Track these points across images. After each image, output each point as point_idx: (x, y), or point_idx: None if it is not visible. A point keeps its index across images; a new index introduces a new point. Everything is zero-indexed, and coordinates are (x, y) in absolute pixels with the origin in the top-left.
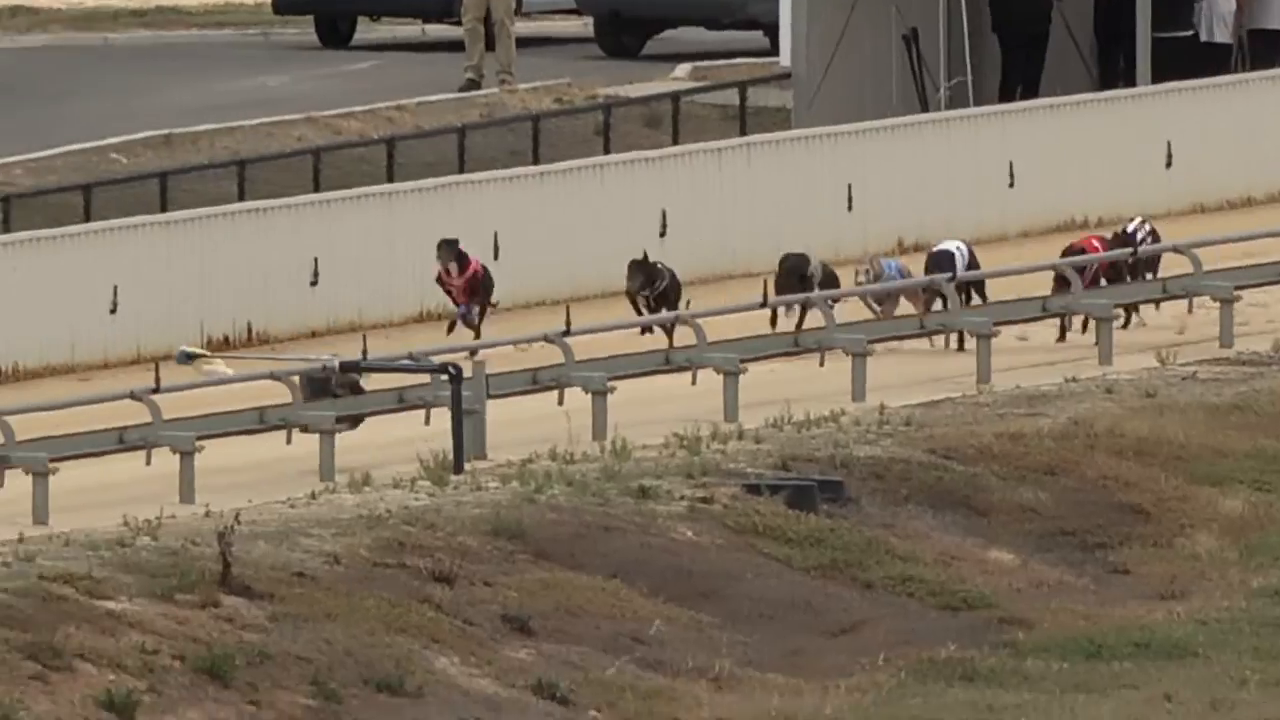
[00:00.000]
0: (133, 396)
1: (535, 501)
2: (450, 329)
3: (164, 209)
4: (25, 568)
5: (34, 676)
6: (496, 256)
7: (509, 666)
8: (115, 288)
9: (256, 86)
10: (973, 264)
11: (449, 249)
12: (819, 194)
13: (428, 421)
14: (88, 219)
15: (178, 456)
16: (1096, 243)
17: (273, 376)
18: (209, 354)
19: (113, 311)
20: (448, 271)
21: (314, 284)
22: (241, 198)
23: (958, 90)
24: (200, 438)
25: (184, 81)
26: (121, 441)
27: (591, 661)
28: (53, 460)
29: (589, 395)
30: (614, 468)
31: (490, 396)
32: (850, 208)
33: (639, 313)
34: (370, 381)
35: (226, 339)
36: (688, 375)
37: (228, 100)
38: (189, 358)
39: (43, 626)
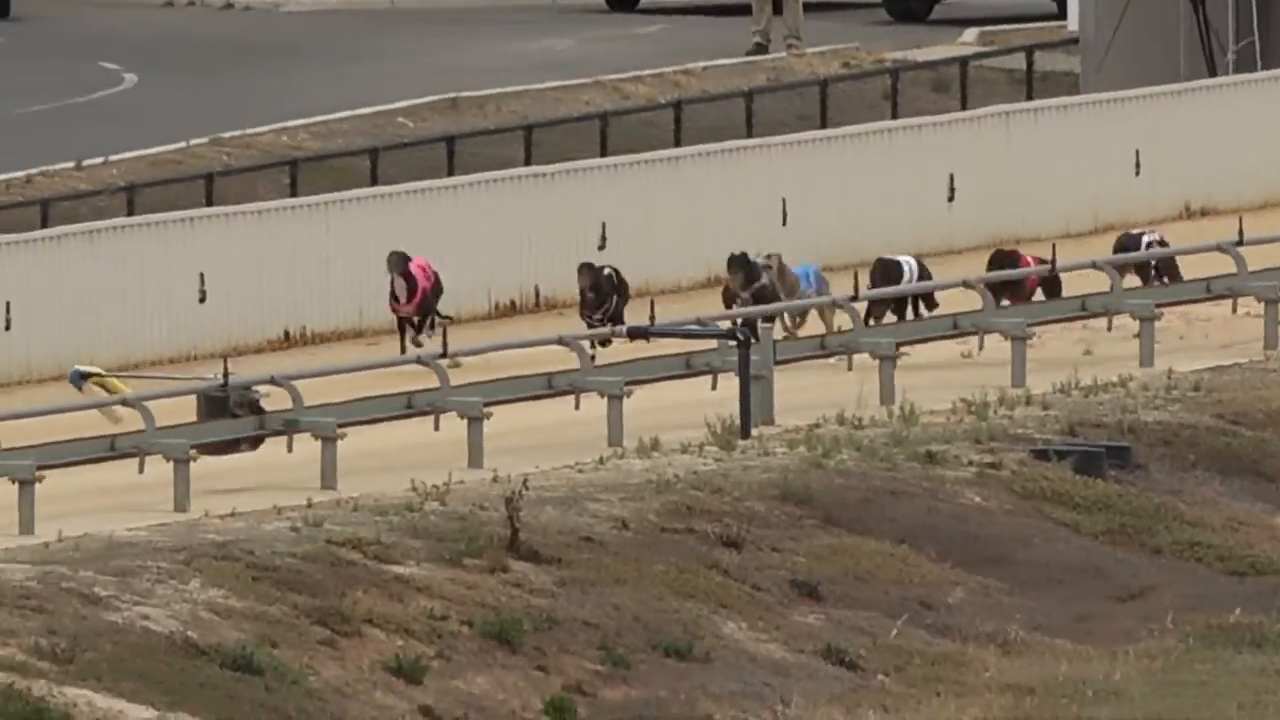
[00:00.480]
0: (420, 362)
1: (823, 466)
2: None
3: (450, 173)
4: (314, 533)
5: (323, 642)
6: (785, 222)
7: (797, 632)
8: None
9: (543, 50)
10: (923, 276)
11: (398, 260)
12: (1106, 159)
13: (715, 387)
14: (374, 183)
15: (466, 421)
16: (1030, 259)
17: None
18: (104, 373)
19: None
20: (395, 296)
21: (601, 248)
22: (528, 162)
23: (1245, 53)
24: (488, 404)
25: (470, 45)
26: (410, 406)
27: (879, 626)
28: (341, 425)
29: (876, 360)
30: (902, 433)
31: (777, 362)
32: (1138, 173)
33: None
34: (657, 346)
35: (513, 303)
36: (974, 341)
37: (514, 64)
38: (81, 377)
39: (331, 592)
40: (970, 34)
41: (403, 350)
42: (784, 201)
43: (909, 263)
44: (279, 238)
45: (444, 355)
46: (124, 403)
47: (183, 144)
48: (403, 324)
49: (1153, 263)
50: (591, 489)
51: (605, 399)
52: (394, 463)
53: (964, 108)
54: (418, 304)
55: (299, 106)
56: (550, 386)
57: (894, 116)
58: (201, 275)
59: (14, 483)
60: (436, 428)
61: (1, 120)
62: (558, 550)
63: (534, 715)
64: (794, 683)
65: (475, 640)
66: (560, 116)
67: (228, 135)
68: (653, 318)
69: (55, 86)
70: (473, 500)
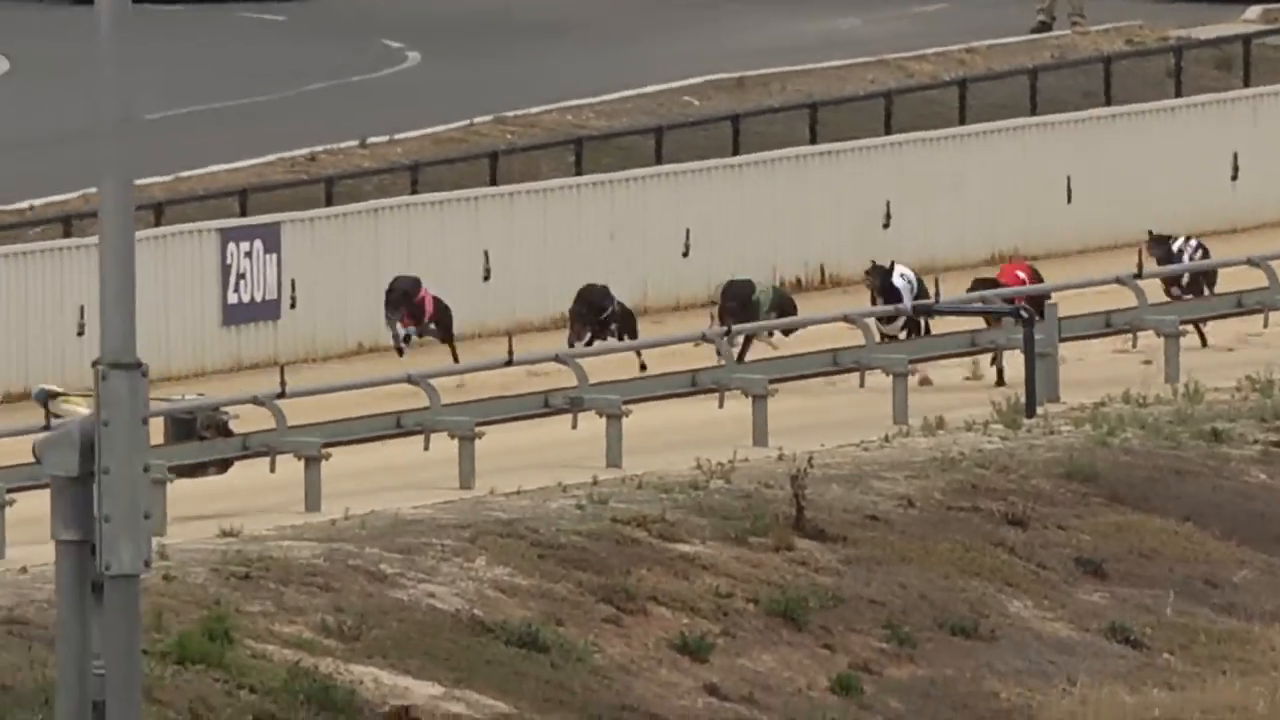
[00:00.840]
0: (704, 339)
1: (1108, 445)
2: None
3: (735, 152)
4: (599, 510)
5: (608, 619)
6: (1070, 199)
7: (1082, 610)
8: (687, 230)
9: (828, 29)
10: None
11: (403, 294)
12: None
13: (995, 362)
14: (658, 162)
15: (750, 400)
16: (1020, 273)
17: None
18: (68, 393)
19: (685, 255)
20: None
21: (885, 226)
22: (813, 140)
23: None
24: (772, 381)
25: (756, 23)
26: (694, 384)
27: (1164, 604)
28: (627, 402)
29: (1160, 338)
30: (1186, 411)
31: (1062, 339)
32: None
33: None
34: (942, 324)
35: (798, 280)
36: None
37: (799, 42)
38: (47, 396)
39: (616, 569)
40: (1254, 11)
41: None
42: (1068, 179)
43: (907, 274)
44: (563, 216)
45: (727, 334)
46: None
47: (466, 122)
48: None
49: None
50: (876, 467)
51: (890, 376)
52: (678, 440)
53: (1247, 85)
54: (435, 317)
55: (584, 85)
56: (835, 364)
57: (1178, 94)
58: (486, 254)
59: (300, 460)
60: (721, 405)
61: (286, 98)
62: (843, 528)
63: (820, 693)
64: (1079, 661)
65: (761, 618)
66: (845, 95)
67: (512, 114)
68: (937, 295)
69: (339, 65)
70: (758, 478)
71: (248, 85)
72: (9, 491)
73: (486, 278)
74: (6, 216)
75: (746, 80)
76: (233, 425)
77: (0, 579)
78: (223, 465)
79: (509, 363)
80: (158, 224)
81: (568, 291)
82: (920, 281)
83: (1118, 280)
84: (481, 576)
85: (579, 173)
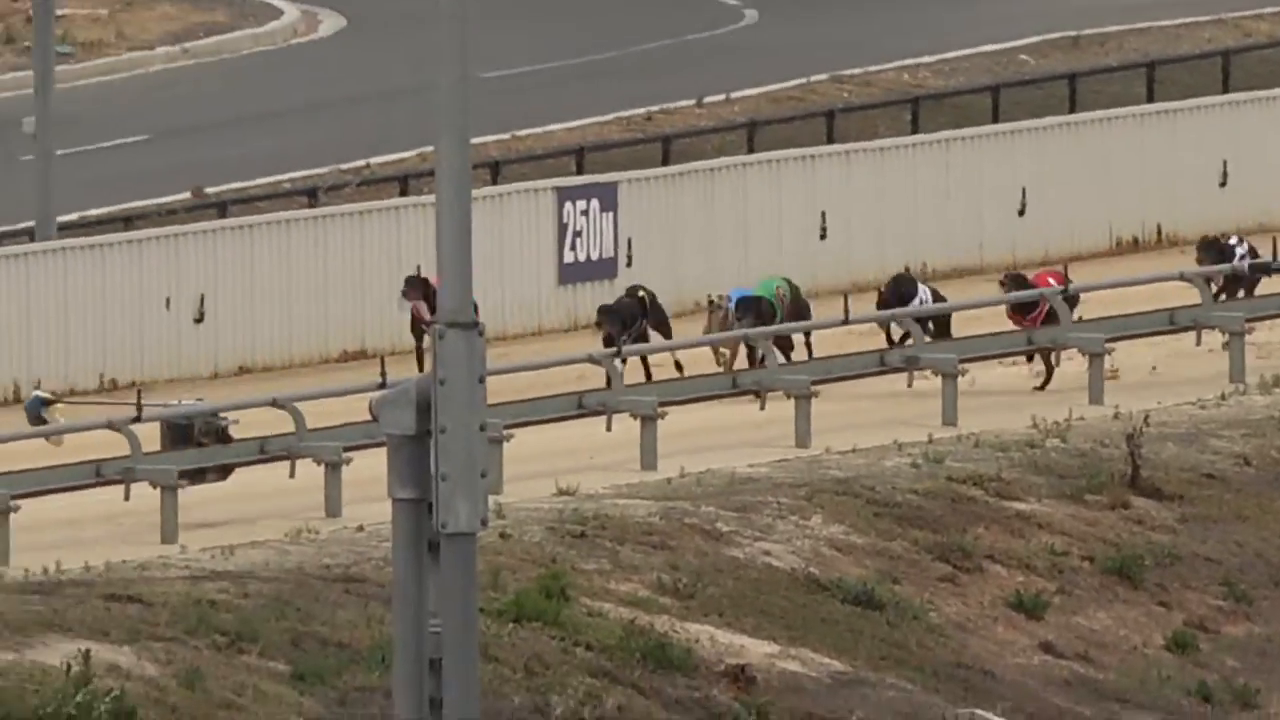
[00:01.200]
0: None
1: None
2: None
3: (1071, 110)
4: (934, 469)
5: (943, 578)
6: None
7: None
8: (1022, 189)
9: None
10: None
11: (415, 285)
12: None
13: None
14: (994, 120)
15: (1086, 359)
16: (1051, 279)
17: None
18: (58, 399)
19: (1020, 214)
20: (419, 310)
21: (1222, 185)
22: (1150, 99)
23: None
24: (1109, 340)
25: None
26: (1030, 343)
27: None
28: (962, 362)
29: None
30: None
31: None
32: None
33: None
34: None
35: (1135, 240)
36: None
37: (1137, 1)
38: (41, 404)
39: (952, 528)
40: None
41: (420, 367)
42: None
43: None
44: (899, 175)
45: (1066, 291)
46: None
47: (803, 80)
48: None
49: None
50: (1213, 425)
51: (1226, 335)
52: (1014, 400)
53: None
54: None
55: (921, 44)
56: (1172, 323)
57: None
58: (823, 213)
59: (636, 419)
60: (1056, 364)
61: (623, 57)
62: (1179, 486)
63: (1154, 651)
64: None
65: (1096, 576)
66: (1181, 54)
67: (849, 72)
68: (1276, 253)
69: (676, 24)
70: (1093, 437)
71: (585, 45)
72: (346, 450)
73: (823, 236)
74: (343, 175)
75: (1082, 39)
76: (233, 430)
77: (337, 537)
78: (223, 471)
79: (844, 321)
80: (494, 183)
81: (904, 249)
82: (936, 295)
83: None
84: (817, 535)
85: (914, 131)
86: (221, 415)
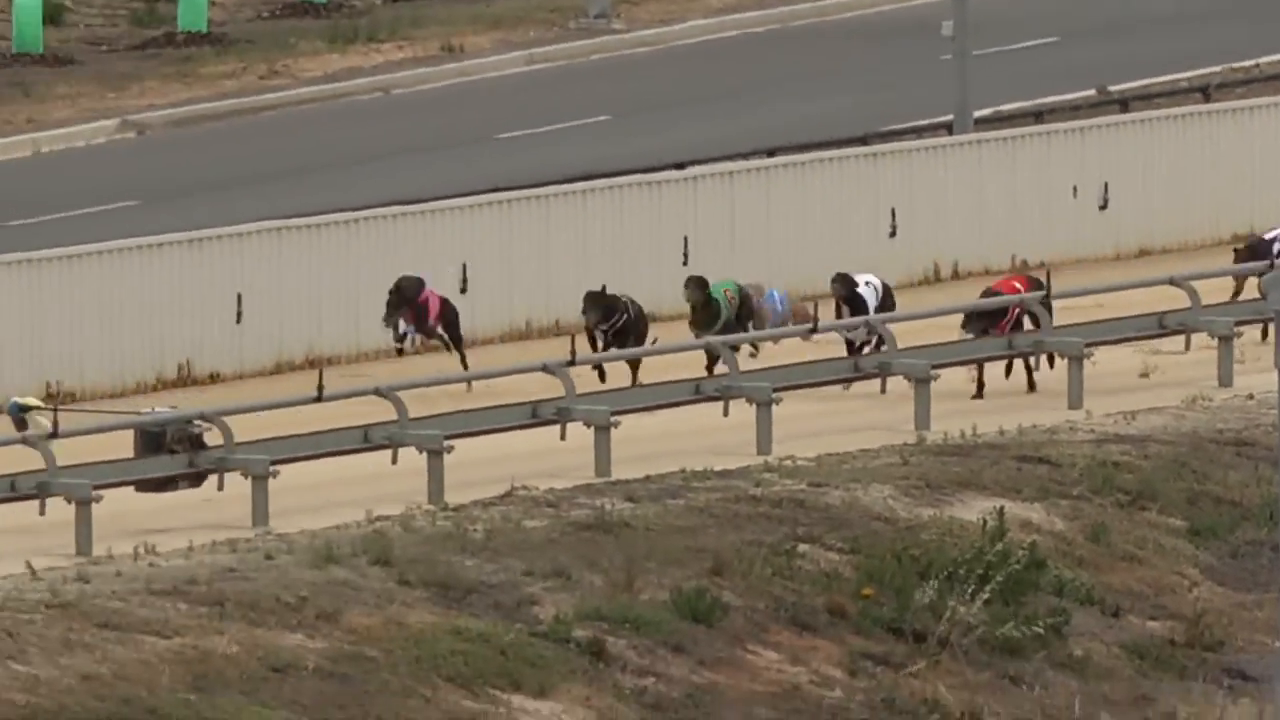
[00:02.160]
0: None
1: None
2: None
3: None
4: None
5: None
6: None
7: None
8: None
9: None
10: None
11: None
12: None
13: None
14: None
15: None
16: (1018, 284)
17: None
18: (42, 405)
19: None
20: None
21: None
22: None
23: None
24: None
25: None
26: None
27: None
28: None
29: None
30: None
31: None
32: None
33: (593, 348)
34: None
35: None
36: None
37: None
38: (21, 409)
39: None
40: None
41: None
42: None
43: (870, 280)
44: None
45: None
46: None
47: None
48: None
49: None
50: None
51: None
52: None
53: None
54: (439, 316)
55: None
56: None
57: None
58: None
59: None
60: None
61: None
62: None
63: None
64: None
65: None
66: None
67: None
68: None
69: None
70: None
71: None
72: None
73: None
74: (1232, 74)
75: None
76: (206, 438)
77: (1229, 405)
78: (196, 479)
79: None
80: None
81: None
82: (886, 287)
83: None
84: None
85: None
86: (195, 423)
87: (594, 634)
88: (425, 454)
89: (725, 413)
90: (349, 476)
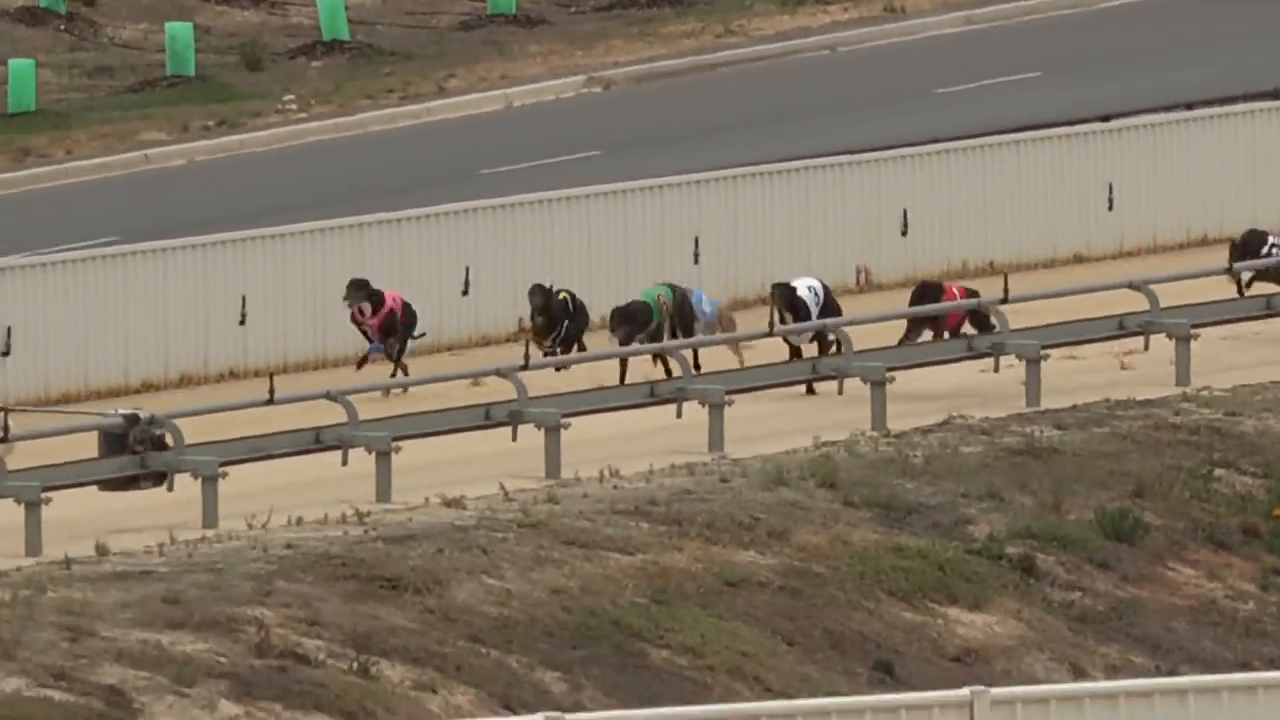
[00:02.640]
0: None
1: None
2: (360, 365)
3: None
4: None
5: None
6: None
7: None
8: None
9: None
10: (828, 304)
11: (358, 290)
12: None
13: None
14: None
15: None
16: (956, 291)
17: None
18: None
19: None
20: (360, 311)
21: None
22: None
23: None
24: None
25: None
26: None
27: None
28: (891, 368)
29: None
30: None
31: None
32: None
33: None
34: None
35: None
36: None
37: None
38: None
39: None
40: None
41: (359, 366)
42: None
43: (812, 286)
44: None
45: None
46: None
47: None
48: (361, 360)
49: None
50: None
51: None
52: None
53: None
54: (381, 323)
55: None
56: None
57: None
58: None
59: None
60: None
61: None
62: None
63: None
64: None
65: None
66: None
67: None
68: None
69: None
70: None
71: None
72: None
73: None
74: None
75: None
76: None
77: None
78: (158, 478)
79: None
80: None
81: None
82: (827, 291)
83: None
84: None
85: None
86: (158, 424)
87: (1024, 551)
88: (869, 384)
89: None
90: (796, 410)
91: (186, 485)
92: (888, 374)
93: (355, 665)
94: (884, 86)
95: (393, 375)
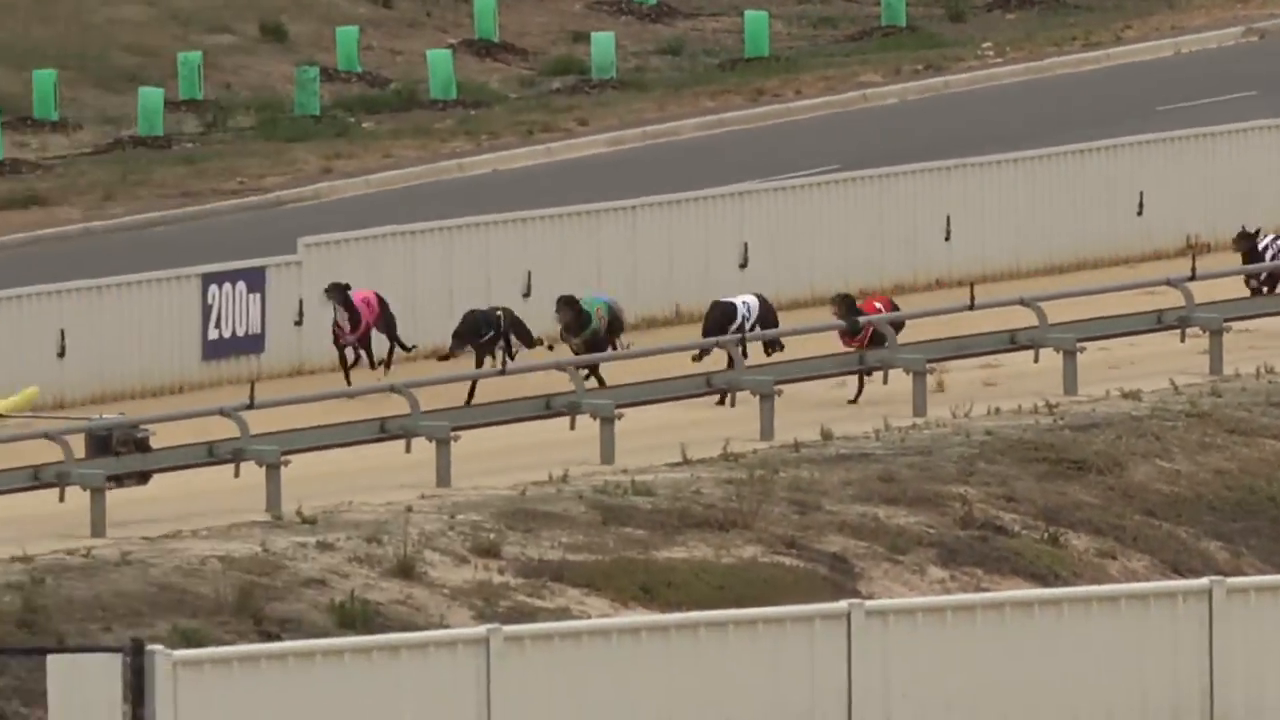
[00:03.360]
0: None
1: None
2: (346, 366)
3: None
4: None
5: None
6: None
7: None
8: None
9: None
10: (765, 318)
11: (337, 292)
12: None
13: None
14: None
15: None
16: (878, 304)
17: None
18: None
19: None
20: (339, 324)
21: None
22: None
23: None
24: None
25: None
26: None
27: None
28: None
29: None
30: None
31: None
32: None
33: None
34: None
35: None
36: None
37: None
38: None
39: None
40: None
41: (347, 381)
42: None
43: (746, 302)
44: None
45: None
46: None
47: None
48: (344, 354)
49: None
50: None
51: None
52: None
53: None
54: (362, 334)
55: None
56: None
57: None
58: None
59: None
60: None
61: None
62: None
63: None
64: None
65: None
66: None
67: None
68: None
69: None
70: None
71: None
72: None
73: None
74: None
75: None
76: (152, 441)
77: None
78: (142, 478)
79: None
80: None
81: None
82: (764, 303)
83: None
84: None
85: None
86: (142, 427)
87: None
88: None
89: None
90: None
91: (898, 379)
92: None
93: (1046, 535)
94: None
95: (385, 368)
